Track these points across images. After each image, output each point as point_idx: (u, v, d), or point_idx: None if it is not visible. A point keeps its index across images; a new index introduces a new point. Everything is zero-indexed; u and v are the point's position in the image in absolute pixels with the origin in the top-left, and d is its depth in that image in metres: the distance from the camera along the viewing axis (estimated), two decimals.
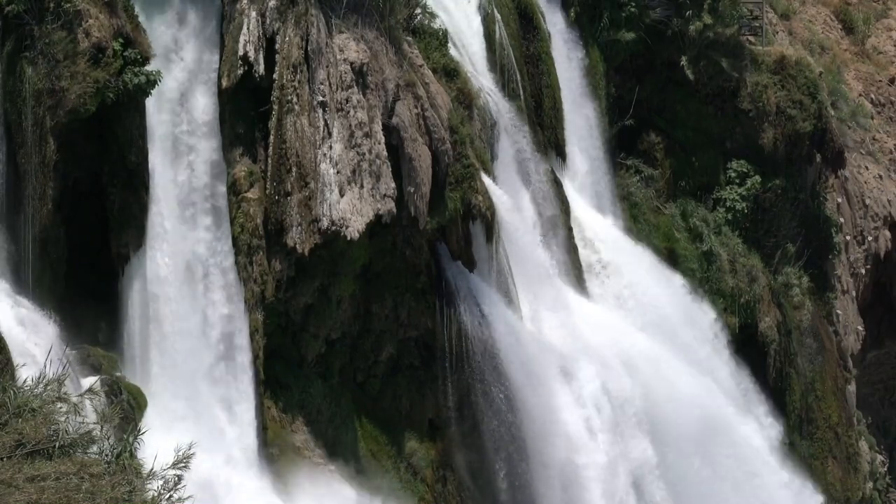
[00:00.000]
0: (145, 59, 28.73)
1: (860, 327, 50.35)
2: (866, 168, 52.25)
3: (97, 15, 28.11)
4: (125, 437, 15.66)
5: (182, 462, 14.84)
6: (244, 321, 30.82)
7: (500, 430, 35.07)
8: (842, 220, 49.10)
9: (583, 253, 39.76)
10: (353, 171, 31.63)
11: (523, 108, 38.72)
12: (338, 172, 31.42)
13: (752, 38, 47.66)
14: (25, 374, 21.34)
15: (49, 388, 15.31)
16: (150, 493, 14.70)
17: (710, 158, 45.55)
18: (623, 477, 36.68)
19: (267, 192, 31.18)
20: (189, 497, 14.87)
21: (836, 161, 48.13)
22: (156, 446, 16.08)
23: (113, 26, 28.34)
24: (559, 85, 40.74)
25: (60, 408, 15.45)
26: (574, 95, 41.95)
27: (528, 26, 40.10)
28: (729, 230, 44.96)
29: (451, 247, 34.80)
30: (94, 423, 15.86)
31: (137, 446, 15.86)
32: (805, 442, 45.76)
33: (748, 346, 43.98)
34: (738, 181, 45.32)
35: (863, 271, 50.91)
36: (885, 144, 54.44)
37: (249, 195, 31.13)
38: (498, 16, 38.66)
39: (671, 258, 43.21)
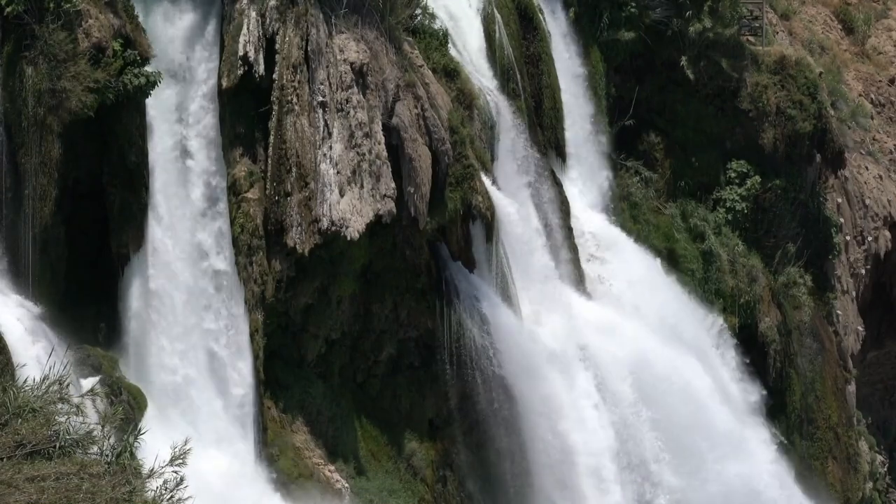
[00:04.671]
0: (145, 60, 28.74)
1: (860, 327, 50.34)
2: (866, 168, 52.24)
3: (97, 15, 28.13)
4: (125, 437, 15.67)
5: (179, 458, 14.84)
6: (244, 321, 30.83)
7: (499, 429, 35.07)
8: (842, 220, 49.08)
9: (583, 253, 39.77)
10: (353, 172, 31.63)
11: (523, 108, 38.71)
12: (338, 173, 31.42)
13: (752, 38, 47.64)
14: (26, 374, 21.34)
15: (51, 388, 15.32)
16: (150, 492, 14.70)
17: (710, 158, 45.53)
18: (623, 474, 36.69)
19: (267, 192, 31.18)
20: (189, 497, 14.87)
21: (836, 161, 48.12)
22: (156, 446, 16.09)
23: (113, 26, 28.36)
24: (559, 85, 40.73)
25: (61, 408, 15.45)
26: (574, 95, 41.93)
27: (528, 26, 40.09)
28: (729, 230, 44.94)
29: (451, 247, 34.81)
30: (95, 424, 15.87)
31: (137, 446, 15.87)
32: (805, 442, 45.76)
33: (748, 346, 43.97)
34: (738, 181, 45.31)
35: (863, 271, 50.90)
36: (885, 144, 54.44)
37: (249, 195, 31.14)
38: (498, 16, 38.65)
39: (671, 258, 43.21)
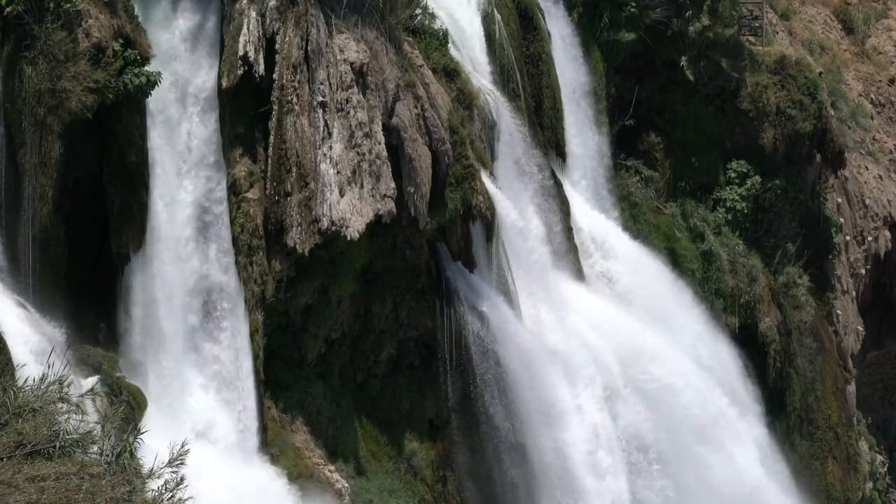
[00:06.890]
0: (145, 60, 28.74)
1: (860, 327, 50.35)
2: (866, 168, 52.25)
3: (97, 15, 28.13)
4: (125, 437, 15.66)
5: (178, 459, 14.84)
6: (244, 321, 30.83)
7: (499, 429, 35.07)
8: (842, 220, 49.09)
9: (582, 253, 39.77)
10: (353, 172, 31.64)
11: (523, 108, 38.71)
12: (338, 173, 31.43)
13: (752, 38, 47.65)
14: (26, 374, 21.33)
15: (51, 388, 15.32)
16: (150, 492, 14.70)
17: (710, 158, 45.54)
18: (622, 475, 36.70)
19: (267, 192, 31.19)
20: (189, 497, 14.87)
21: (836, 161, 48.14)
22: (156, 447, 16.08)
23: (113, 26, 28.36)
24: (559, 85, 40.74)
25: (61, 408, 15.45)
26: (574, 95, 41.95)
27: (528, 26, 40.10)
28: (729, 230, 44.95)
29: (451, 247, 34.81)
30: (95, 424, 15.87)
31: (137, 446, 15.86)
32: (805, 442, 45.77)
33: (748, 346, 43.97)
34: (738, 181, 45.33)
35: (863, 271, 50.91)
36: (885, 144, 54.45)
37: (249, 195, 31.14)
38: (498, 16, 38.66)
39: (671, 258, 43.22)
